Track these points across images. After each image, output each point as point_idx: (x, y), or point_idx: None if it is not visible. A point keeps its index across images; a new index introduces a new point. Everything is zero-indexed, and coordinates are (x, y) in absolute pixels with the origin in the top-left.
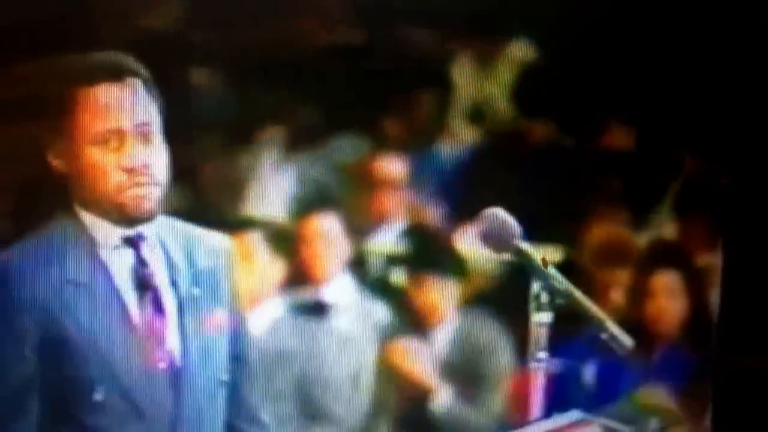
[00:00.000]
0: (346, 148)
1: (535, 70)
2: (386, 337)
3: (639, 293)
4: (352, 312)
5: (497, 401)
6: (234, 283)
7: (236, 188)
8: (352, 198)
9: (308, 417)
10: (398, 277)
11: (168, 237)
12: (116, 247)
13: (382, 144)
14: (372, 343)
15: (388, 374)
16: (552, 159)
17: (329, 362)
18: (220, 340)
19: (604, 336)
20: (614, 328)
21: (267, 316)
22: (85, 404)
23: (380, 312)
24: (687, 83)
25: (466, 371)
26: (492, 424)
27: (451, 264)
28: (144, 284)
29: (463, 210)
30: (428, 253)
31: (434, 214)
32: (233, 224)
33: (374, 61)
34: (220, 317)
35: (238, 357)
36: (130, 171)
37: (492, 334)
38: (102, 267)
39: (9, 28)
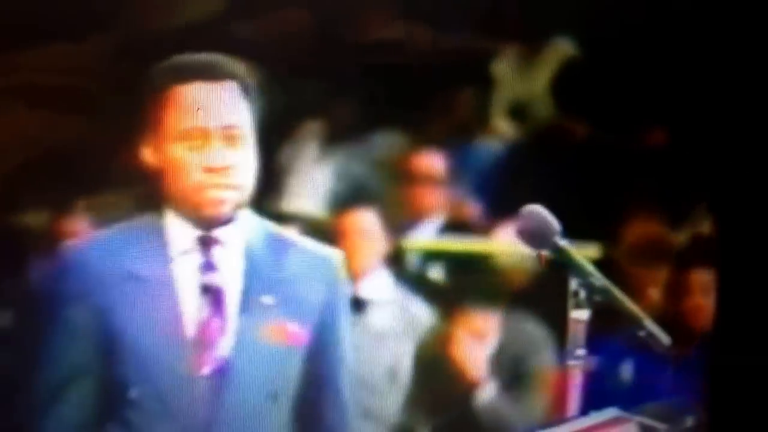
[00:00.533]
0: (385, 143)
1: (575, 67)
2: (425, 332)
3: (676, 291)
4: (390, 307)
5: (536, 398)
6: (339, 299)
7: (275, 183)
8: (390, 193)
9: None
10: (437, 272)
11: (257, 242)
12: (188, 247)
13: (422, 140)
14: (410, 338)
15: (436, 361)
16: (591, 156)
17: (366, 358)
18: (284, 353)
19: (641, 334)
20: (652, 326)
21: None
22: (123, 400)
23: (418, 308)
24: (728, 83)
25: (508, 367)
26: (530, 421)
27: (489, 262)
28: (206, 287)
29: (503, 207)
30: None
31: (473, 210)
32: (272, 219)
33: (415, 57)
34: (292, 330)
35: (317, 376)
36: (210, 171)
37: (534, 331)
38: (167, 265)
39: None
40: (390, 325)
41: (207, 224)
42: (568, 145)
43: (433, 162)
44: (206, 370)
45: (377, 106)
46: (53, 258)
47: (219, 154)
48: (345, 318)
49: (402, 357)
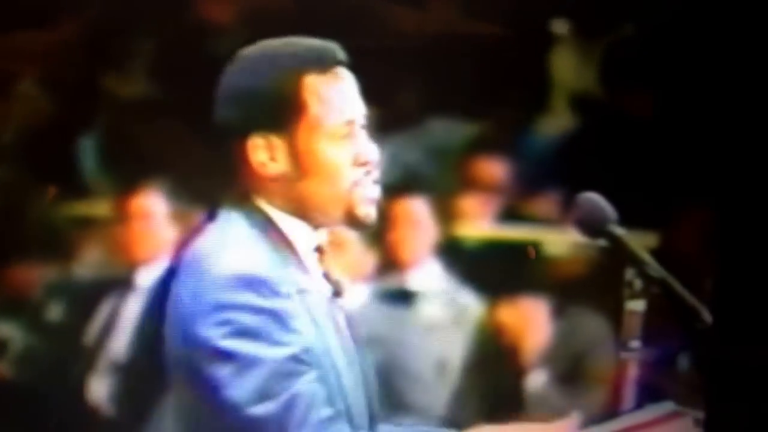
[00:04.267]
0: (440, 132)
1: (635, 53)
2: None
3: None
4: (439, 299)
5: (590, 391)
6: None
7: None
8: (443, 183)
9: (390, 407)
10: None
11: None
12: (308, 254)
13: (478, 129)
14: (459, 330)
15: (487, 351)
16: (649, 142)
17: (414, 350)
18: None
19: (698, 326)
20: (708, 318)
21: (354, 302)
22: None
23: (468, 299)
24: None
25: (562, 357)
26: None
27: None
28: (336, 293)
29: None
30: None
31: (529, 199)
32: None
33: (472, 46)
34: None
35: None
36: (363, 165)
37: (596, 326)
38: (309, 275)
39: None
40: (439, 316)
41: (355, 226)
42: (625, 132)
43: (494, 155)
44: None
45: (434, 95)
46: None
47: (366, 146)
48: None
49: (451, 350)
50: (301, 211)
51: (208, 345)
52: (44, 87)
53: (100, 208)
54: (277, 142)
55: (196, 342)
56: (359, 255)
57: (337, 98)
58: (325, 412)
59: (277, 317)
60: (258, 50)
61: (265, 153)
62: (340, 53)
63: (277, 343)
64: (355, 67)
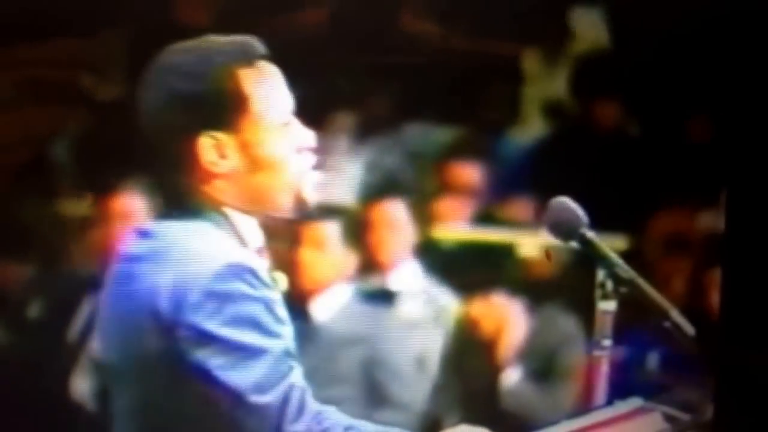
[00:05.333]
0: (417, 136)
1: (605, 59)
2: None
3: (703, 283)
4: (419, 298)
5: (562, 388)
6: None
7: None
8: (422, 185)
9: (372, 402)
10: (465, 265)
11: None
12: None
13: (453, 134)
14: (438, 328)
15: (463, 348)
16: (619, 148)
17: (394, 347)
18: None
19: (667, 325)
20: (678, 317)
21: (334, 302)
22: None
23: (447, 298)
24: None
25: (538, 359)
26: (556, 410)
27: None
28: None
29: (531, 198)
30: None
31: (502, 202)
32: None
33: (447, 53)
34: None
35: None
36: (304, 152)
37: (568, 325)
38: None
39: None
40: (419, 315)
41: (300, 213)
42: (596, 137)
43: (469, 159)
44: None
45: (409, 100)
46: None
47: (306, 133)
48: None
49: (431, 347)
50: (253, 204)
51: (202, 333)
52: (21, 88)
53: (80, 208)
54: (226, 140)
55: (187, 330)
56: (340, 257)
57: (272, 90)
58: (315, 406)
59: (269, 307)
60: (181, 52)
61: (214, 152)
62: (261, 46)
63: (273, 333)
64: (333, 76)
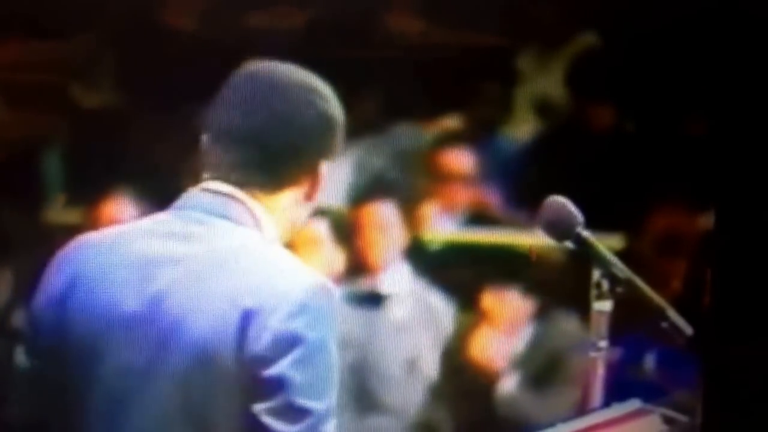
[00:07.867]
0: (406, 137)
1: (598, 57)
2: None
3: (699, 282)
4: (409, 300)
5: (560, 392)
6: None
7: None
8: (411, 187)
9: (363, 406)
10: (457, 265)
11: None
12: None
13: (444, 134)
14: (429, 331)
15: (458, 354)
16: (614, 147)
17: (384, 351)
18: None
19: (664, 325)
20: (675, 317)
21: None
22: None
23: (437, 300)
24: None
25: (531, 359)
26: (552, 413)
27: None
28: None
29: (525, 198)
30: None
31: (496, 202)
32: None
33: (438, 51)
34: None
35: None
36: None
37: (560, 321)
38: None
39: None
40: (409, 317)
41: None
42: (591, 136)
43: (460, 160)
44: None
45: (399, 100)
46: None
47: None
48: None
49: (421, 349)
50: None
51: (298, 342)
52: (10, 96)
53: (71, 215)
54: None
55: (275, 338)
56: (330, 259)
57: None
58: None
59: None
60: (311, 75)
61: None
62: None
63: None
64: (322, 74)
